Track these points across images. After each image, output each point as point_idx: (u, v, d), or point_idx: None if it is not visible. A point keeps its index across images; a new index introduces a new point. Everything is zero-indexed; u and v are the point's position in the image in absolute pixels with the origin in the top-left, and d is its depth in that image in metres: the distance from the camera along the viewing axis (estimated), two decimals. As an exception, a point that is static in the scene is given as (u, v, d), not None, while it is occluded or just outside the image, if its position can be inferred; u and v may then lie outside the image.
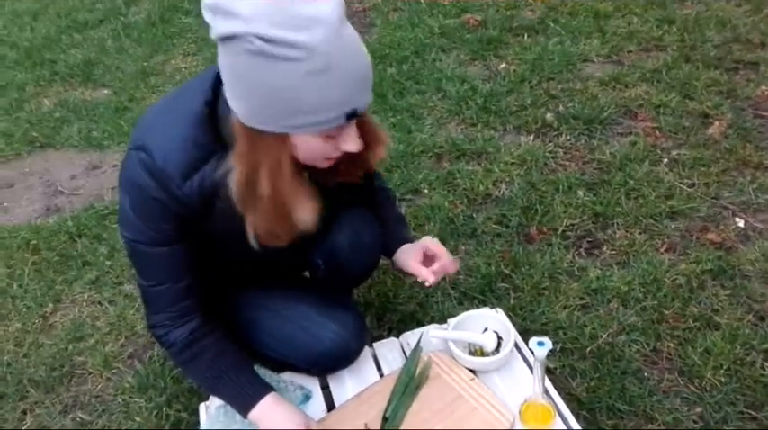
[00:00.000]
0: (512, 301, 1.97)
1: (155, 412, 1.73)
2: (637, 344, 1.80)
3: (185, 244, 1.22)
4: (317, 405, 1.45)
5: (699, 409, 1.63)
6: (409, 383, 1.42)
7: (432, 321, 1.73)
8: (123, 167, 1.18)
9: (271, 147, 1.05)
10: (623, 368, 1.74)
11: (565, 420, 1.37)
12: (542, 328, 1.86)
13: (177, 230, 1.19)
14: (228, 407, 1.36)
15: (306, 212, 1.14)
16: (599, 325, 1.86)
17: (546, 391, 1.36)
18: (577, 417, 1.47)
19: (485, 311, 1.62)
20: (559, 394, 1.48)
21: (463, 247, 2.21)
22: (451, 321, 1.53)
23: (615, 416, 1.62)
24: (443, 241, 2.16)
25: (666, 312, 1.89)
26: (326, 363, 1.46)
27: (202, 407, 1.50)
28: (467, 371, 1.45)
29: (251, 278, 1.48)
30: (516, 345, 1.53)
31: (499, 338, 1.51)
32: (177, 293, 1.26)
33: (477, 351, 1.51)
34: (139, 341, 1.99)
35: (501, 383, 1.46)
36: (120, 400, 1.81)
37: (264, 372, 1.46)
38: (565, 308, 1.94)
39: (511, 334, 1.48)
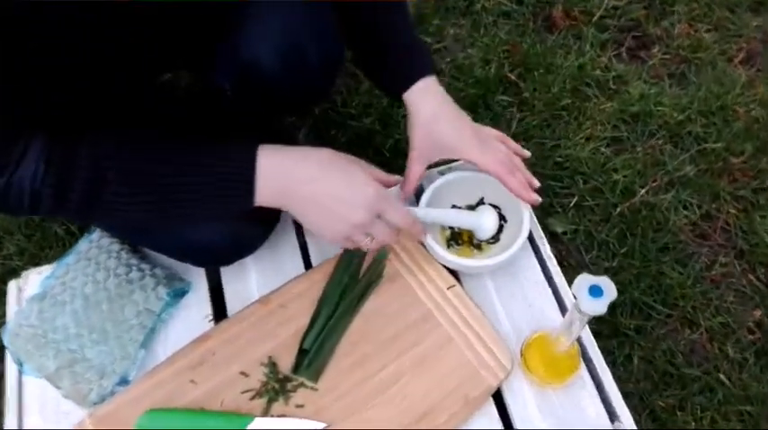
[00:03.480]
0: (514, 126, 1.34)
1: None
2: (686, 209, 1.25)
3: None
4: (194, 309, 0.89)
5: (757, 313, 1.16)
6: (347, 287, 0.86)
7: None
8: None
9: None
10: (662, 242, 1.21)
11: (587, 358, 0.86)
12: (553, 171, 1.28)
13: None
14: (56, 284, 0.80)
15: None
16: (635, 172, 1.29)
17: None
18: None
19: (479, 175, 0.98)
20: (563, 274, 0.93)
21: (452, 31, 1.50)
22: (427, 189, 0.91)
23: (640, 313, 1.14)
24: (421, 19, 1.57)
25: (734, 161, 1.31)
26: (208, 256, 0.87)
27: (11, 288, 0.92)
28: (446, 273, 0.90)
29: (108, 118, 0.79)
30: (530, 235, 0.95)
31: (501, 217, 0.92)
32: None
33: (462, 237, 0.93)
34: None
35: (497, 297, 0.91)
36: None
37: (108, 249, 0.87)
38: (589, 140, 1.33)
39: (525, 216, 0.88)
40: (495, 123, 1.34)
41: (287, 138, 1.18)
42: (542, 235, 0.96)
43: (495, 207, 0.93)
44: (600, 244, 1.21)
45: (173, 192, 0.67)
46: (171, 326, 0.87)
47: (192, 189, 0.67)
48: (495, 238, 0.91)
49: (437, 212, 0.87)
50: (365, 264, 0.88)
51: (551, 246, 0.95)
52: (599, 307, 0.64)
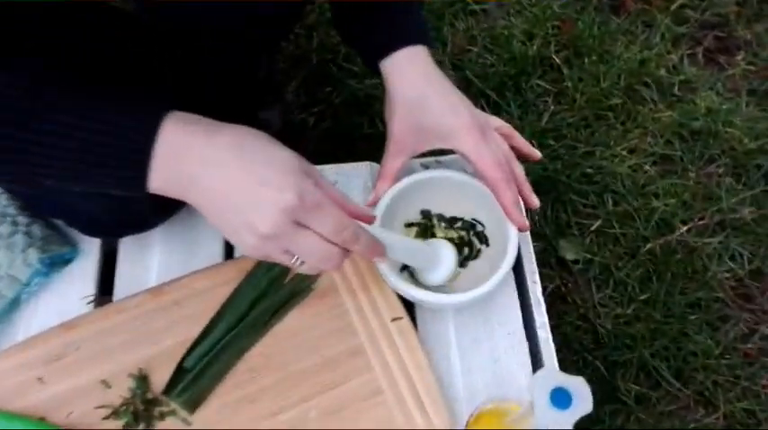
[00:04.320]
0: (545, 119, 1.11)
1: None
2: (733, 260, 1.01)
3: None
4: (77, 284, 0.71)
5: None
6: (263, 294, 0.66)
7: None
8: None
9: None
10: (694, 296, 0.97)
11: None
12: (579, 183, 1.04)
13: None
14: None
15: None
16: (680, 202, 1.04)
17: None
18: (579, 365, 0.76)
19: (457, 175, 0.74)
20: (557, 319, 0.70)
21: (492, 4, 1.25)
22: (385, 195, 0.69)
23: (647, 379, 0.92)
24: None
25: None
26: (93, 228, 0.67)
27: None
28: (395, 298, 0.69)
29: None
30: (517, 266, 0.73)
31: (481, 238, 0.71)
32: None
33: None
34: None
35: (455, 340, 0.70)
36: None
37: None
38: (633, 153, 1.09)
39: (510, 243, 0.66)
40: (522, 111, 1.11)
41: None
42: (535, 269, 0.74)
43: (475, 223, 0.71)
44: (617, 283, 0.98)
45: (31, 143, 0.47)
46: (42, 301, 0.69)
47: (56, 147, 0.47)
48: (463, 264, 0.70)
49: (388, 237, 0.62)
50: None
51: (556, 273, 0.75)
52: (562, 421, 0.43)
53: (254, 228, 0.47)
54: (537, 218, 1.00)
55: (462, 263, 0.70)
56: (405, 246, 0.63)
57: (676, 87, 1.16)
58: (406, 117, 0.65)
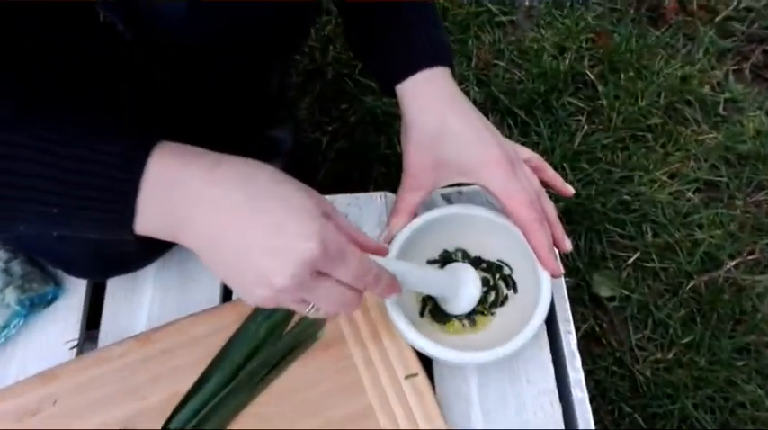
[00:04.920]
0: (578, 140, 1.02)
1: None
2: (789, 301, 0.92)
3: None
4: (61, 325, 0.64)
5: None
6: (261, 344, 0.59)
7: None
8: None
9: None
10: (743, 340, 0.88)
11: None
12: (615, 212, 0.96)
13: None
14: None
15: None
16: (727, 235, 0.95)
17: None
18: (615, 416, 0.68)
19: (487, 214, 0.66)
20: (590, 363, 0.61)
21: (526, 2, 1.17)
22: (401, 233, 0.60)
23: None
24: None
25: None
26: (74, 268, 0.61)
27: None
28: (410, 352, 0.61)
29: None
30: (550, 319, 0.65)
31: (508, 282, 0.63)
32: None
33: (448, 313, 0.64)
34: None
35: (478, 400, 0.62)
36: None
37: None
38: (674, 179, 1.00)
39: (543, 290, 0.59)
40: (552, 131, 1.03)
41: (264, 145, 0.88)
42: (569, 317, 0.65)
43: (502, 265, 0.63)
44: (657, 324, 0.89)
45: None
46: (20, 345, 0.63)
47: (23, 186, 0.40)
48: (490, 308, 0.62)
49: (403, 267, 0.56)
50: (297, 315, 0.61)
51: (590, 312, 0.67)
52: None
53: (268, 281, 0.41)
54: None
55: (487, 309, 0.62)
56: (420, 275, 0.57)
57: (721, 107, 1.07)
58: (425, 148, 0.58)
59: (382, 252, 0.49)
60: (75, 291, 0.65)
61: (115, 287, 0.65)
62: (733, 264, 0.92)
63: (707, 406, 0.84)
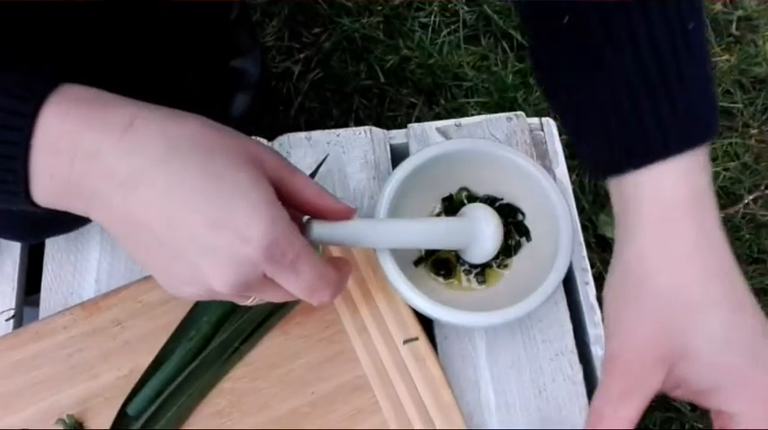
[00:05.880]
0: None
1: None
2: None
3: None
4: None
5: None
6: (232, 310, 0.50)
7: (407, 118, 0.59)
8: None
9: None
10: (761, 279, 0.81)
11: None
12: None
13: None
14: None
15: None
16: (739, 167, 0.87)
17: None
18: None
19: (490, 144, 0.56)
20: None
21: None
22: (393, 176, 0.50)
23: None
24: None
25: None
26: (4, 230, 0.50)
27: None
28: (409, 314, 0.52)
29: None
30: (569, 276, 0.57)
31: (519, 230, 0.54)
32: None
33: (451, 259, 0.55)
34: None
35: (487, 365, 0.54)
36: None
37: None
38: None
39: (563, 240, 0.50)
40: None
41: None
42: (587, 266, 0.58)
43: (513, 210, 0.54)
44: (666, 265, 0.82)
45: None
46: (-57, 317, 0.53)
47: None
48: (502, 260, 0.53)
49: (388, 226, 0.47)
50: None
51: (596, 255, 0.59)
52: None
53: (204, 284, 0.33)
54: (572, 187, 0.83)
55: (499, 262, 0.53)
56: (421, 230, 0.48)
57: (734, 26, 0.97)
58: (655, 315, 0.37)
59: (348, 214, 0.40)
60: (9, 254, 0.55)
61: (55, 248, 0.54)
62: (751, 197, 0.84)
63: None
